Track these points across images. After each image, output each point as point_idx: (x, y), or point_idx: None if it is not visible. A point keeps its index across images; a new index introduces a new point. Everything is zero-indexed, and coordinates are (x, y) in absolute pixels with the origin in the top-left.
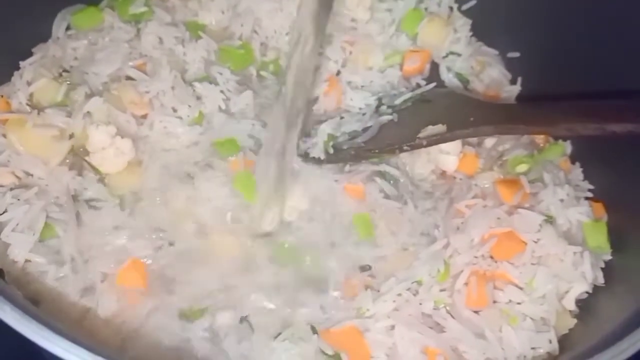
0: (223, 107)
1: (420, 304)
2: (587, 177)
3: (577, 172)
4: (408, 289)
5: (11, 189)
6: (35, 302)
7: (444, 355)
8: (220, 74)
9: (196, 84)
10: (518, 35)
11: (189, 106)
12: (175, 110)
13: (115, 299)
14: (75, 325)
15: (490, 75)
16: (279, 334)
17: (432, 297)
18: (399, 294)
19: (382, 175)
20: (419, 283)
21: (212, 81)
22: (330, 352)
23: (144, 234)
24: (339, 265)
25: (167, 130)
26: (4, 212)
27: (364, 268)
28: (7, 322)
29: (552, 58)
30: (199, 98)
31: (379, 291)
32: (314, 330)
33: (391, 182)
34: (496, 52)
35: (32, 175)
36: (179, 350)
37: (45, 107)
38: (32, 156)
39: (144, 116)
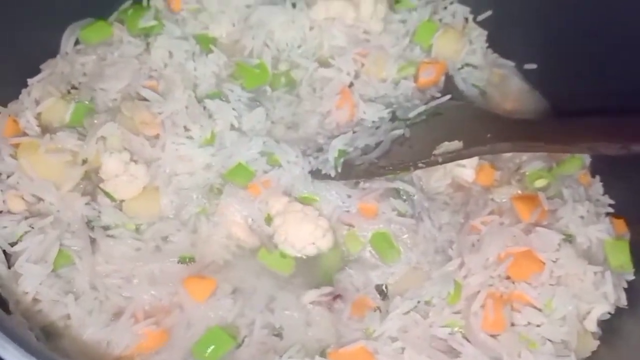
0: (236, 124)
1: (431, 326)
2: (607, 191)
3: (598, 186)
4: (415, 309)
5: (26, 218)
6: (47, 335)
7: None
8: (232, 91)
9: (207, 100)
10: (535, 46)
11: (201, 126)
12: (187, 130)
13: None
14: None
15: (509, 87)
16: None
17: (443, 320)
18: (406, 313)
19: (397, 192)
20: (428, 304)
21: (224, 98)
22: None
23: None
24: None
25: (179, 153)
26: (17, 242)
27: (379, 288)
28: None
29: (571, 70)
30: (210, 116)
31: (387, 312)
32: (322, 354)
33: (405, 199)
34: (513, 63)
35: (42, 200)
36: None
37: (56, 129)
38: (44, 181)
39: (156, 136)
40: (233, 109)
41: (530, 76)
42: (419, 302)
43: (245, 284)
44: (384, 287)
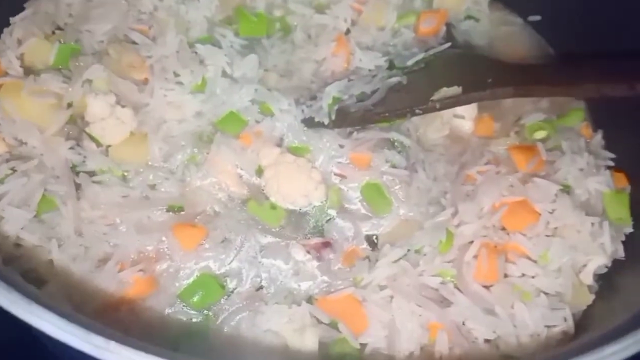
0: (228, 71)
1: (421, 275)
2: (609, 145)
3: (599, 139)
4: (405, 257)
5: (7, 160)
6: (30, 280)
7: (447, 331)
8: (224, 36)
9: (199, 45)
10: None
11: (192, 71)
12: (177, 75)
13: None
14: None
15: (516, 42)
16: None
17: (434, 269)
18: (395, 261)
19: (391, 143)
20: (419, 252)
21: (215, 44)
22: (325, 320)
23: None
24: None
25: (168, 100)
26: None
27: (370, 239)
28: None
29: (576, 20)
30: (201, 62)
31: (377, 260)
32: (309, 301)
33: (399, 150)
34: (521, 20)
35: (25, 143)
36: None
37: (39, 70)
38: (27, 123)
39: (144, 81)
40: (225, 55)
41: (534, 28)
42: (408, 250)
43: (234, 234)
44: (374, 238)
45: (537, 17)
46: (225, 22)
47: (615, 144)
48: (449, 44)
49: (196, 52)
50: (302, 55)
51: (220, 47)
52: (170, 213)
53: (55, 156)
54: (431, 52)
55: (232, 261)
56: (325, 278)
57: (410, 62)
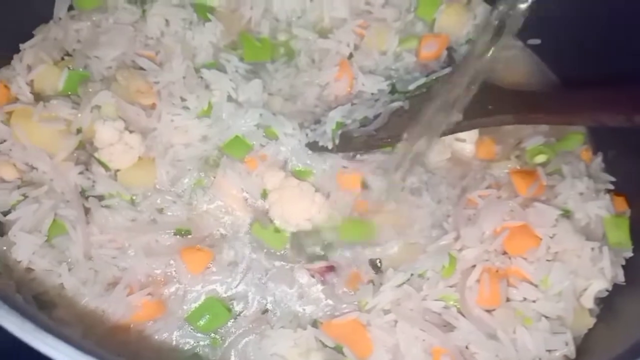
0: (233, 95)
1: (424, 299)
2: (609, 168)
3: (598, 162)
4: (409, 282)
5: (18, 187)
6: (41, 304)
7: (451, 356)
8: (229, 61)
9: (204, 70)
10: (539, 21)
11: (198, 96)
12: (183, 100)
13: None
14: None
15: (516, 65)
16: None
17: (438, 293)
18: (399, 286)
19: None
20: (422, 277)
21: (221, 68)
22: (330, 344)
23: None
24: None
25: (175, 124)
26: (10, 210)
27: (374, 262)
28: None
29: (577, 44)
30: (207, 87)
31: (381, 284)
32: (314, 325)
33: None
34: (521, 43)
35: (36, 169)
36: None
37: (49, 97)
38: (38, 149)
39: (152, 106)
40: (230, 79)
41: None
42: (412, 274)
43: (240, 257)
44: (378, 262)
45: (537, 41)
46: (230, 47)
47: (615, 167)
48: (449, 69)
49: (202, 77)
50: (305, 79)
51: (225, 72)
52: (178, 237)
53: (65, 181)
54: (433, 76)
55: (238, 284)
56: (330, 302)
57: (412, 87)
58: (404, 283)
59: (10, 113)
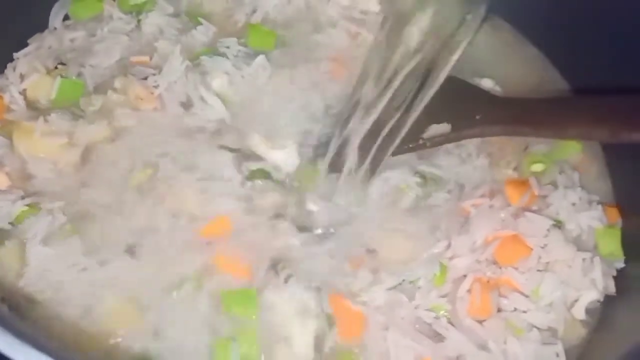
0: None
1: (416, 308)
2: (602, 178)
3: (592, 172)
4: (400, 288)
5: (22, 197)
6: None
7: None
8: (228, 47)
9: (204, 58)
10: (551, 24)
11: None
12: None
13: None
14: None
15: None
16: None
17: (429, 303)
18: (390, 289)
19: None
20: (414, 284)
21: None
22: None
23: None
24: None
25: None
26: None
27: (370, 251)
28: None
29: (592, 51)
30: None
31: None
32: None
33: None
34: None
35: (34, 177)
36: None
37: (46, 109)
38: (40, 160)
39: (154, 109)
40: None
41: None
42: (404, 280)
43: None
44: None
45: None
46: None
47: (609, 177)
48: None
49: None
50: None
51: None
52: None
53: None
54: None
55: None
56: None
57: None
58: (395, 287)
59: (5, 124)
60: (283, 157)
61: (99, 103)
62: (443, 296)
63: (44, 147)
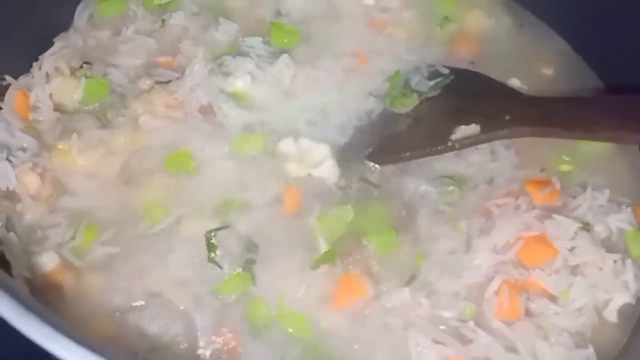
0: (260, 78)
1: (436, 307)
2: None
3: (622, 172)
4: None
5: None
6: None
7: None
8: (252, 47)
9: (227, 57)
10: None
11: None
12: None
13: None
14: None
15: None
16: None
17: (449, 303)
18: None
19: None
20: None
21: (243, 54)
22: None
23: None
24: None
25: None
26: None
27: None
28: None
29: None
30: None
31: None
32: None
33: None
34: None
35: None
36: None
37: (73, 110)
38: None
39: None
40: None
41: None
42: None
43: None
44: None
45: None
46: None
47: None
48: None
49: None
50: None
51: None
52: None
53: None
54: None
55: None
56: None
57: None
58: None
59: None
60: (325, 170)
61: (127, 113)
62: (467, 298)
63: (86, 164)
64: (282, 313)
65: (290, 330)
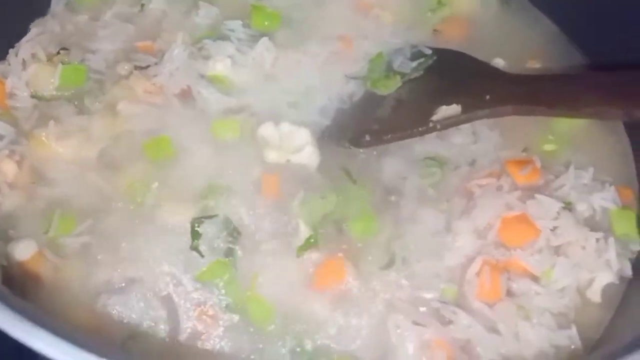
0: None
1: (417, 289)
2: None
3: (605, 150)
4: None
5: None
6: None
7: (449, 350)
8: (233, 30)
9: (207, 41)
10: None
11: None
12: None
13: None
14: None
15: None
16: None
17: (430, 284)
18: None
19: None
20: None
21: (223, 38)
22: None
23: None
24: None
25: None
26: None
27: None
28: None
29: (613, 26)
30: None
31: None
32: None
33: None
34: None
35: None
36: None
37: (50, 97)
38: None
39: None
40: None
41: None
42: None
43: None
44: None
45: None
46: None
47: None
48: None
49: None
50: None
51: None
52: None
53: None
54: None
55: None
56: None
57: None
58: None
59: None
60: (305, 156)
61: (105, 99)
62: (448, 280)
63: (62, 149)
64: (261, 297)
65: (270, 314)
